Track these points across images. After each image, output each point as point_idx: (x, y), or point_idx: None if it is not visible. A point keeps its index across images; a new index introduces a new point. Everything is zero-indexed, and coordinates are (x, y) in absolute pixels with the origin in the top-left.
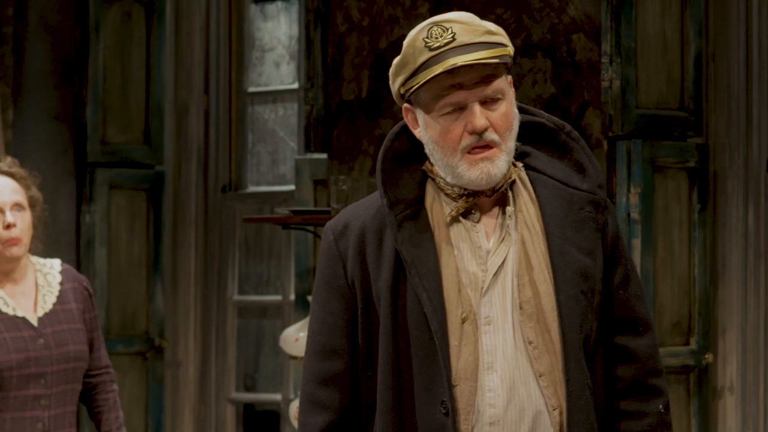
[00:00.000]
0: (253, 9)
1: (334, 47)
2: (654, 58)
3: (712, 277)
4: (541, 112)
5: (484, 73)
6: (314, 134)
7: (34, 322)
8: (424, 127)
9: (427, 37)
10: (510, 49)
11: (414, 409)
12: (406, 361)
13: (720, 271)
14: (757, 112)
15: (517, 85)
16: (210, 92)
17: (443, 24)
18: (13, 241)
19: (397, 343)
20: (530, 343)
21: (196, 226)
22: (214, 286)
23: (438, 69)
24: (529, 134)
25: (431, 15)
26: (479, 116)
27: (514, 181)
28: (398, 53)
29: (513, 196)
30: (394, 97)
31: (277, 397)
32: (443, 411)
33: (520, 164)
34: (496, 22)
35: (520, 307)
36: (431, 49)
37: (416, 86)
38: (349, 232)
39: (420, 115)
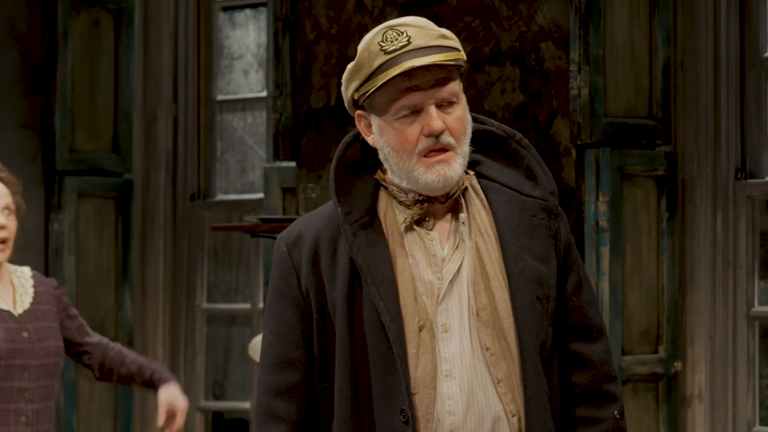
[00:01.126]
0: (222, 17)
1: (303, 55)
2: (622, 66)
3: (681, 285)
4: (492, 120)
5: (439, 76)
6: (283, 142)
7: (17, 316)
8: (378, 133)
9: (383, 41)
10: (463, 54)
11: (372, 418)
12: (363, 370)
13: (688, 279)
14: (725, 120)
15: (485, 93)
16: (178, 100)
17: (398, 28)
18: (1, 243)
19: (354, 353)
20: (487, 349)
21: (164, 234)
22: (182, 294)
23: (395, 71)
24: (480, 143)
25: None
26: (436, 118)
27: (466, 189)
28: None
29: (466, 204)
30: (346, 104)
31: (246, 405)
32: (402, 419)
33: (471, 172)
34: (465, 30)
35: (477, 314)
36: (387, 53)
37: (372, 90)
38: (302, 242)
39: (374, 120)
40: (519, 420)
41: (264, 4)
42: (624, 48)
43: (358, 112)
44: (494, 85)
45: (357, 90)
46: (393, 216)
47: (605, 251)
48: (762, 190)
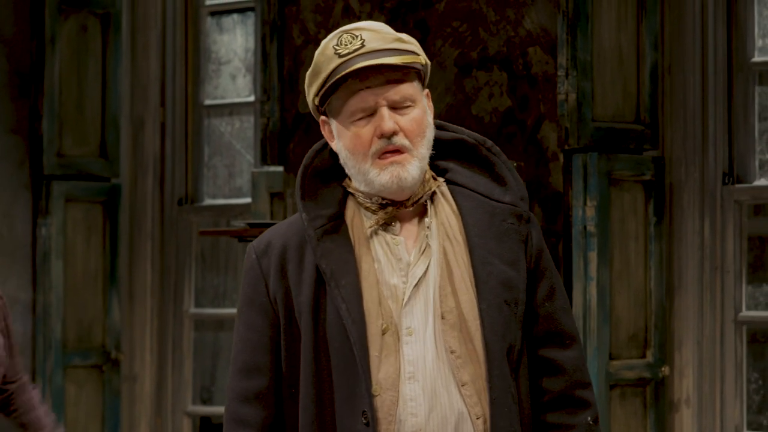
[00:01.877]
0: (209, 22)
1: (291, 60)
2: (610, 71)
3: (668, 289)
4: (462, 128)
5: (392, 78)
6: (270, 147)
7: None
8: (337, 137)
9: (337, 45)
10: (422, 58)
11: (335, 421)
12: (327, 374)
13: (676, 283)
14: (712, 125)
15: (473, 98)
16: (166, 105)
17: (353, 32)
18: None
19: (319, 357)
20: (453, 352)
21: (152, 238)
22: (170, 298)
23: (344, 72)
24: (451, 151)
25: None
26: (388, 119)
27: (435, 194)
28: None
29: (434, 209)
30: (311, 110)
31: None
32: (364, 421)
33: (441, 179)
34: (453, 34)
35: (442, 317)
36: (340, 56)
37: (325, 92)
38: (270, 250)
39: (333, 125)
40: (484, 422)
41: (252, 9)
42: (612, 53)
43: (322, 118)
44: (482, 90)
45: (316, 95)
46: (360, 222)
47: (593, 256)
48: (749, 194)
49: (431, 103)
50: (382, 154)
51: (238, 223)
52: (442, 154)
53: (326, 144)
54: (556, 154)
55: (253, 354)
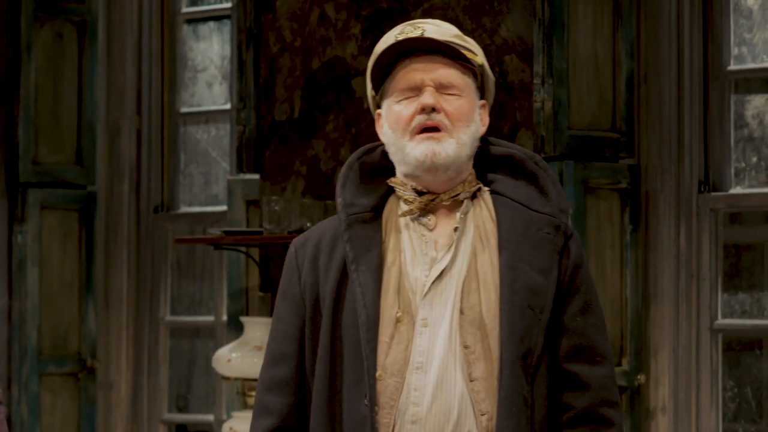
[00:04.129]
0: (186, 29)
1: (267, 68)
2: (586, 79)
3: (644, 298)
4: (513, 144)
5: (443, 65)
6: (246, 155)
7: None
8: (385, 119)
9: (399, 33)
10: (479, 59)
11: (343, 405)
12: (341, 358)
13: (652, 292)
14: (688, 133)
15: None
16: (142, 112)
17: (416, 24)
18: None
19: (334, 341)
20: (467, 347)
21: (128, 246)
22: (146, 306)
23: (393, 41)
24: (501, 166)
25: (363, 36)
26: (429, 95)
27: (476, 199)
28: (331, 73)
29: (473, 212)
30: (370, 106)
31: (210, 417)
32: (366, 404)
33: (485, 188)
34: None
35: (461, 312)
36: (398, 40)
37: (378, 70)
38: (307, 243)
39: (384, 109)
40: (489, 419)
41: (228, 17)
42: (587, 61)
43: (378, 111)
44: None
45: (371, 80)
46: (395, 215)
47: None
48: (725, 203)
49: (487, 117)
50: (421, 130)
51: (214, 231)
52: (493, 169)
53: (379, 145)
54: None
55: (280, 344)
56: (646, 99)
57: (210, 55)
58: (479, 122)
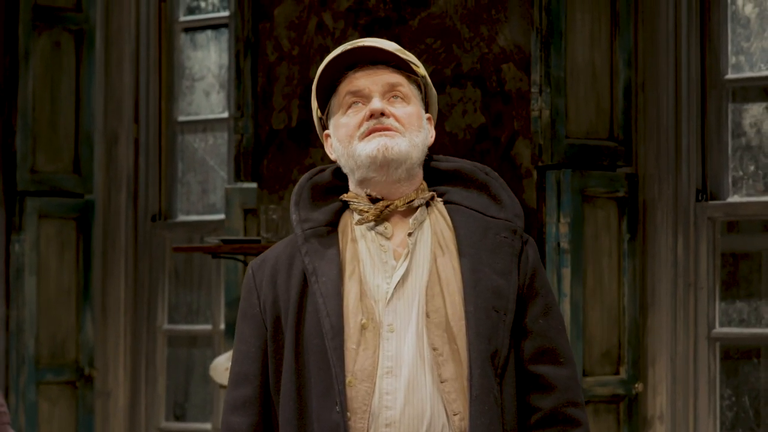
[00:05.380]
0: (183, 38)
1: (264, 76)
2: (583, 88)
3: (642, 306)
4: (460, 159)
5: (389, 72)
6: (244, 163)
7: None
8: (334, 135)
9: (337, 52)
10: (421, 70)
11: (313, 415)
12: (307, 370)
13: (649, 300)
14: (686, 142)
15: (446, 115)
16: (140, 121)
17: (355, 43)
18: None
19: (299, 354)
20: (435, 349)
21: (125, 255)
22: (143, 315)
23: (340, 50)
24: (450, 180)
25: None
26: (377, 100)
27: (430, 207)
28: None
29: (429, 220)
30: (317, 129)
31: (207, 426)
32: (337, 410)
33: (438, 198)
34: (427, 51)
35: (427, 316)
36: (335, 56)
37: (323, 87)
38: (265, 263)
39: (331, 127)
40: (462, 419)
41: (225, 26)
42: (585, 70)
43: (325, 132)
44: (455, 107)
45: (317, 103)
46: (351, 230)
47: (566, 272)
48: (723, 211)
49: (433, 131)
50: (370, 132)
51: (212, 240)
52: (442, 183)
53: (327, 167)
54: (529, 170)
55: (242, 364)
56: (643, 108)
57: (207, 63)
58: (427, 131)
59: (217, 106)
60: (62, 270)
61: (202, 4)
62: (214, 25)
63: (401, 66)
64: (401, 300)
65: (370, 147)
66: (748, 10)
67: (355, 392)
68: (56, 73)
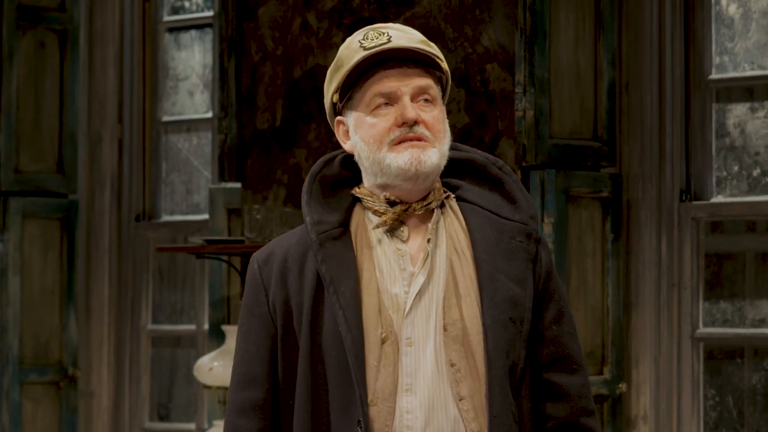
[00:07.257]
0: (167, 38)
1: (249, 76)
2: (567, 88)
3: (626, 306)
4: (473, 148)
5: (418, 75)
6: (228, 163)
7: None
8: (354, 131)
9: (363, 39)
10: (444, 65)
11: (331, 431)
12: (323, 383)
13: (633, 300)
14: (670, 142)
15: None
16: (124, 121)
17: (379, 29)
18: None
19: (315, 366)
20: (453, 365)
21: (109, 255)
22: (127, 315)
23: (370, 53)
24: (462, 170)
25: None
26: (410, 108)
27: (444, 208)
28: (312, 82)
29: (444, 222)
30: (327, 110)
31: (191, 426)
32: (360, 430)
33: (452, 195)
34: None
35: (445, 329)
36: (366, 49)
37: (349, 85)
38: (272, 259)
39: (351, 119)
40: None
41: (209, 26)
42: (569, 70)
43: (338, 118)
44: None
45: (336, 90)
46: (364, 230)
47: None
48: (706, 211)
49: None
50: (400, 141)
51: (196, 240)
52: (454, 174)
53: (337, 155)
54: (513, 171)
55: (250, 365)
56: (627, 108)
57: (191, 63)
58: (449, 132)
59: (201, 106)
60: (46, 270)
61: (186, 4)
62: (198, 25)
63: (429, 62)
64: (419, 311)
65: (403, 159)
66: (732, 10)
67: (376, 412)
68: (40, 73)
